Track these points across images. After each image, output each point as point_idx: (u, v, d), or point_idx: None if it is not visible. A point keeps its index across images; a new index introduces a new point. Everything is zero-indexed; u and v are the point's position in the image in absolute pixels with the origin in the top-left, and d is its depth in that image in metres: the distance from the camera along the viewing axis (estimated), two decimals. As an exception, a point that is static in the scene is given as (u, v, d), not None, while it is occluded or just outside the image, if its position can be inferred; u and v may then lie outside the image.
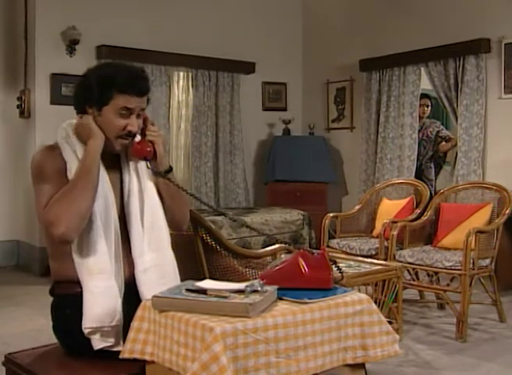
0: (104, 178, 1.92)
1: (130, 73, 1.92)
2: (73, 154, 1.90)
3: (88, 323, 1.80)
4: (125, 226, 1.95)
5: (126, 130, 1.92)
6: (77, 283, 1.85)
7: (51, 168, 1.88)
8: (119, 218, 1.95)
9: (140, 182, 2.00)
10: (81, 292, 1.83)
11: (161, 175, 1.98)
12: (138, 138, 2.00)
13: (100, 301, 1.81)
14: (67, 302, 1.91)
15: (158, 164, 1.99)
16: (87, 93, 1.92)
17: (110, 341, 1.83)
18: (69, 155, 1.90)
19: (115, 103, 1.89)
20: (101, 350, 1.83)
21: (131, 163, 2.01)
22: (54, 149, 1.93)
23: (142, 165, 2.01)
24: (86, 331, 1.81)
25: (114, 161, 2.00)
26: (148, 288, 1.87)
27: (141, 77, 1.94)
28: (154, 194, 2.00)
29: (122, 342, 1.82)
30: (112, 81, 1.89)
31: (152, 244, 1.95)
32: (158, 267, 1.94)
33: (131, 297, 1.87)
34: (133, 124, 1.93)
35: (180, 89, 6.33)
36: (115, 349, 1.82)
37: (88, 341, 1.83)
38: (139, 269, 1.92)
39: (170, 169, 2.01)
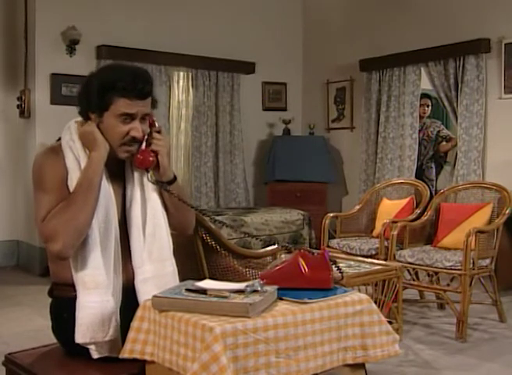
0: (106, 186, 1.87)
1: (130, 76, 1.83)
2: (76, 162, 1.84)
3: (80, 338, 1.78)
4: (125, 233, 1.92)
5: (130, 136, 1.85)
6: (74, 286, 1.83)
7: (51, 177, 1.82)
8: (120, 225, 1.91)
9: (144, 191, 1.94)
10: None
11: (162, 186, 1.92)
12: (143, 146, 1.91)
13: (93, 316, 1.77)
14: (65, 305, 1.89)
15: (161, 175, 1.92)
16: (88, 98, 1.86)
17: (104, 354, 1.82)
18: (71, 163, 1.84)
19: (115, 108, 1.82)
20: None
21: (135, 172, 1.95)
22: (56, 154, 1.87)
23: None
24: (80, 343, 1.80)
25: (118, 167, 1.95)
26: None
27: (142, 80, 1.84)
28: (158, 203, 1.95)
29: (121, 344, 1.80)
30: (111, 85, 1.81)
31: (153, 255, 1.91)
32: (158, 278, 1.90)
33: (131, 303, 1.84)
34: (137, 129, 1.85)
35: (180, 89, 6.34)
36: (114, 355, 1.80)
37: None
38: (138, 278, 1.89)
39: (174, 180, 1.95)
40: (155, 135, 1.93)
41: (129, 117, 1.84)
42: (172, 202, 1.97)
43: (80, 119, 1.93)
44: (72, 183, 1.82)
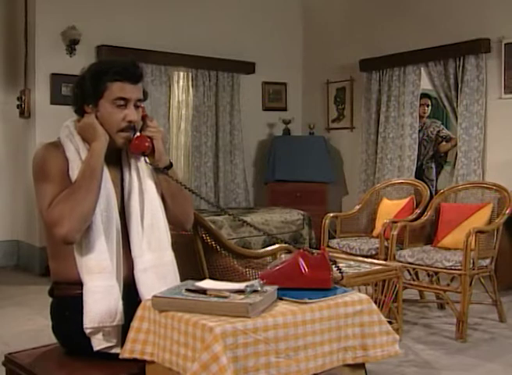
0: (106, 176, 1.91)
1: (120, 62, 1.93)
2: (76, 153, 1.89)
3: (89, 322, 1.79)
4: (125, 224, 1.94)
5: (126, 121, 1.91)
6: (76, 284, 1.84)
7: (54, 167, 1.87)
8: (119, 215, 1.94)
9: (141, 181, 1.98)
10: (80, 294, 1.82)
11: (160, 170, 1.97)
12: (138, 133, 1.97)
13: (100, 300, 1.80)
14: (66, 304, 1.91)
15: (157, 160, 1.97)
16: (83, 91, 1.92)
17: (112, 341, 1.82)
18: (72, 154, 1.89)
19: (110, 94, 1.89)
20: (100, 353, 1.82)
21: (132, 162, 2.00)
22: (56, 147, 1.92)
23: (143, 164, 1.99)
24: (87, 331, 1.80)
25: (115, 158, 1.99)
26: (148, 288, 1.86)
27: (132, 65, 1.93)
28: (155, 194, 1.99)
29: (121, 343, 1.81)
30: (104, 72, 1.89)
31: (152, 245, 1.94)
32: (157, 268, 1.93)
33: (130, 297, 1.87)
34: (132, 114, 1.91)
35: (180, 89, 6.34)
36: (113, 351, 1.81)
37: (88, 342, 1.82)
38: (138, 268, 1.91)
39: (170, 166, 1.99)
40: (149, 123, 1.99)
41: (124, 103, 1.90)
42: (170, 191, 2.01)
43: (75, 120, 1.99)
44: (74, 173, 1.86)
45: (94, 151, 1.87)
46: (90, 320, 1.79)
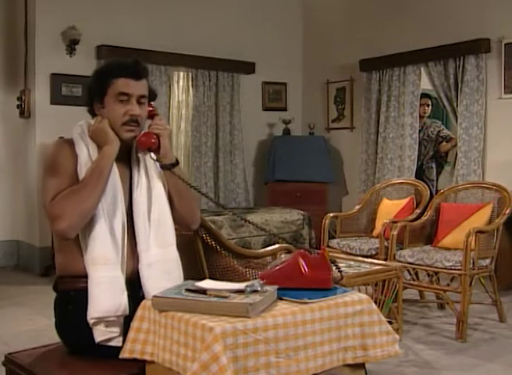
0: (114, 172, 1.94)
1: (123, 60, 2.00)
2: (86, 151, 1.93)
3: (94, 313, 1.81)
4: (132, 221, 1.97)
5: (128, 115, 1.94)
6: (81, 277, 1.86)
7: (64, 163, 1.91)
8: (126, 213, 1.96)
9: (149, 179, 2.02)
10: (84, 287, 1.84)
11: (166, 167, 2.00)
12: (145, 131, 2.02)
13: (106, 291, 1.82)
14: (69, 298, 1.92)
15: (163, 157, 2.00)
16: (90, 90, 1.99)
17: (115, 332, 1.83)
18: (82, 151, 1.93)
19: (113, 89, 1.94)
20: (101, 348, 1.83)
21: (141, 160, 2.03)
22: (69, 143, 1.96)
23: (151, 162, 2.03)
24: (91, 322, 1.82)
25: (124, 155, 2.02)
26: (152, 283, 1.88)
27: (135, 62, 1.99)
28: (162, 191, 2.02)
29: (122, 337, 1.82)
30: (108, 70, 1.98)
31: (158, 240, 1.97)
32: (162, 263, 1.95)
33: (134, 292, 1.88)
34: (135, 108, 1.94)
35: (180, 89, 6.34)
36: (114, 344, 1.82)
37: (90, 335, 1.83)
38: (143, 263, 1.93)
39: (176, 163, 2.02)
40: (156, 121, 2.04)
41: (127, 98, 1.94)
42: (176, 189, 2.04)
43: (89, 120, 2.04)
44: (82, 170, 1.90)
45: (104, 153, 1.91)
46: (95, 310, 1.81)
